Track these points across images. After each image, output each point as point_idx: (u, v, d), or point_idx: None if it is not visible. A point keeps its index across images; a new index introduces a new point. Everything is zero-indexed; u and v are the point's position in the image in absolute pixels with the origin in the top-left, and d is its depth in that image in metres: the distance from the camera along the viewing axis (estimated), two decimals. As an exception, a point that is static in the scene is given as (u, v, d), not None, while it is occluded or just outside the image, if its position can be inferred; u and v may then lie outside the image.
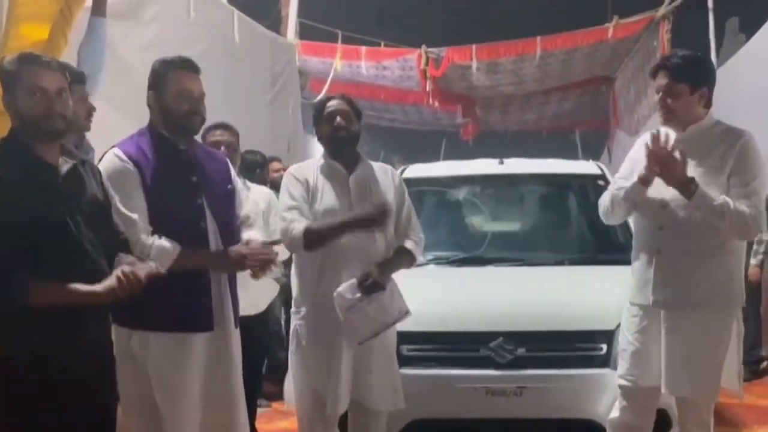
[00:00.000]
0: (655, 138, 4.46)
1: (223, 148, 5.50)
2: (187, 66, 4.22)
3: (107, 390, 3.72)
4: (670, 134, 4.53)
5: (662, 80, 4.56)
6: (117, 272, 3.44)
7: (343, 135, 4.85)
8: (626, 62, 14.35)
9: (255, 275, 4.34)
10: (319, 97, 12.77)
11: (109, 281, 3.41)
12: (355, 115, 4.93)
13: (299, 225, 4.65)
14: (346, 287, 4.60)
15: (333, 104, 4.90)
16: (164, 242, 3.99)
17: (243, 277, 4.56)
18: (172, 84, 4.17)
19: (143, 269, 3.51)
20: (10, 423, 3.37)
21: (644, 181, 4.55)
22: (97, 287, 3.40)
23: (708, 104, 4.59)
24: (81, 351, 3.46)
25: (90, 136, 4.81)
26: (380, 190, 4.92)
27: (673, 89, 4.52)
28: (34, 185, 3.39)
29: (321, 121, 4.90)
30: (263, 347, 5.62)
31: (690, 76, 4.50)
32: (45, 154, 3.48)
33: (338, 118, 4.84)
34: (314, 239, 4.65)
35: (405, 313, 4.81)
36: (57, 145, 3.55)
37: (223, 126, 5.76)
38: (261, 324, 5.30)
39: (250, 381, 4.98)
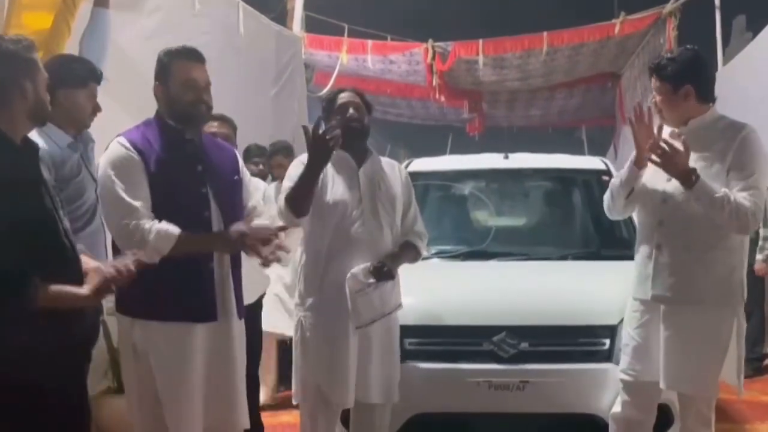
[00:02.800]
0: (641, 114, 4.56)
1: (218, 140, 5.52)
2: (191, 56, 4.21)
3: (82, 383, 3.68)
4: (664, 128, 4.57)
5: (652, 81, 4.65)
6: (103, 271, 3.40)
7: (356, 126, 4.85)
8: (633, 59, 14.32)
9: (264, 261, 4.22)
10: (325, 90, 12.86)
11: (94, 282, 3.37)
12: (365, 109, 4.95)
13: (281, 201, 4.67)
14: (359, 270, 4.63)
15: (345, 96, 4.91)
16: (164, 225, 3.96)
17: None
18: (177, 74, 4.17)
19: (130, 259, 3.47)
20: None
21: (637, 163, 4.59)
22: (86, 291, 3.35)
23: (704, 99, 4.58)
24: (70, 347, 3.43)
25: (92, 126, 4.80)
26: (389, 184, 4.94)
27: (658, 89, 4.60)
28: (19, 173, 3.33)
29: (332, 112, 4.89)
30: (255, 338, 5.61)
31: (671, 76, 4.53)
32: (17, 140, 3.44)
33: (351, 110, 4.85)
34: (293, 202, 4.63)
35: (399, 305, 4.87)
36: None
37: (221, 117, 5.74)
38: (252, 315, 5.29)
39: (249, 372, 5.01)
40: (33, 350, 3.20)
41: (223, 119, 5.77)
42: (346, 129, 4.81)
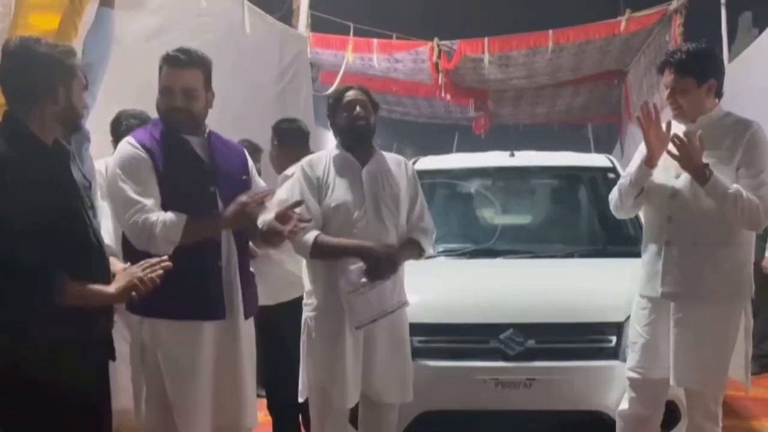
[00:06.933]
0: (649, 113, 4.54)
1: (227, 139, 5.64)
2: (173, 61, 4.20)
3: (105, 384, 3.71)
4: (674, 125, 4.56)
5: (669, 76, 4.60)
6: (131, 275, 3.44)
7: (362, 124, 4.85)
8: (639, 56, 14.30)
9: (289, 236, 4.26)
10: (332, 88, 12.84)
11: (122, 283, 3.42)
12: (372, 107, 4.93)
13: (310, 234, 4.65)
14: (353, 270, 4.61)
15: (351, 94, 4.89)
16: (169, 215, 3.98)
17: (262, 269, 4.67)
18: (161, 80, 4.22)
19: (155, 267, 3.49)
20: (15, 417, 3.37)
21: (648, 162, 4.57)
22: (114, 291, 3.41)
23: (717, 95, 4.59)
24: (90, 346, 3.46)
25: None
26: (393, 182, 4.92)
27: (680, 84, 4.55)
28: (52, 174, 3.38)
29: (339, 110, 4.88)
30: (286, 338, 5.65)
31: (696, 70, 4.51)
32: (48, 141, 3.48)
33: (358, 108, 4.84)
34: (321, 253, 4.69)
35: (404, 303, 4.85)
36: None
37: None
38: (281, 315, 5.34)
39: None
40: (56, 345, 3.23)
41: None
42: (352, 128, 4.82)
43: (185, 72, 4.19)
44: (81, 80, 3.54)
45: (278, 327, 5.30)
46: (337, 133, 4.96)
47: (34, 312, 3.21)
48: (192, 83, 4.20)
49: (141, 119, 5.11)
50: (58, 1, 5.13)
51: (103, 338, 3.61)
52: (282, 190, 5.24)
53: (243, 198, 4.09)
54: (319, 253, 4.70)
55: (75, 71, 3.51)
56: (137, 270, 3.46)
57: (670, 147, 4.47)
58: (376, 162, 4.92)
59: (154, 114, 4.40)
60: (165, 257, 3.55)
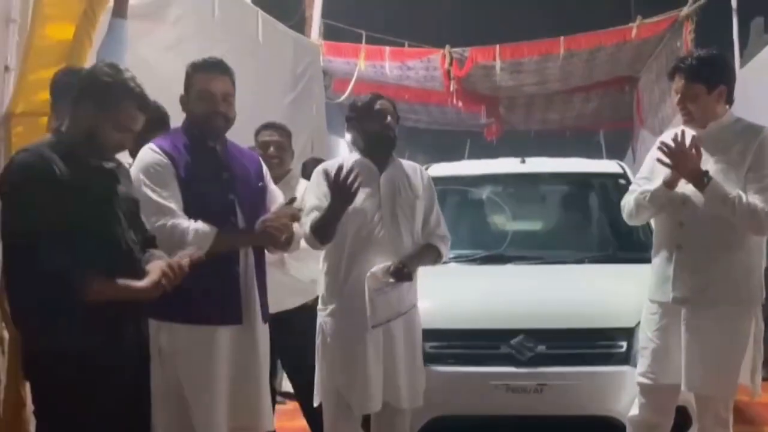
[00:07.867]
0: (674, 140, 4.50)
1: (272, 149, 5.73)
2: (210, 67, 4.31)
3: (145, 384, 3.80)
4: (686, 132, 4.56)
5: (679, 82, 4.61)
6: (161, 266, 3.52)
7: (392, 135, 4.92)
8: (650, 62, 14.27)
9: (282, 244, 4.36)
10: (344, 96, 12.88)
11: (153, 276, 3.49)
12: (395, 119, 5.00)
13: (306, 226, 4.70)
14: (378, 269, 4.67)
15: (383, 103, 4.95)
16: (201, 224, 4.07)
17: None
18: (195, 86, 4.30)
19: (184, 258, 3.60)
20: (50, 416, 3.46)
21: (669, 184, 4.58)
22: (144, 284, 3.47)
23: (728, 101, 4.61)
24: (123, 346, 3.55)
25: None
26: (410, 189, 4.97)
27: (690, 90, 4.56)
28: (88, 185, 3.47)
29: (369, 117, 4.92)
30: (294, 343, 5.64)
31: (706, 76, 4.53)
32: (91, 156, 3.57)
33: (389, 117, 4.91)
34: (319, 233, 4.69)
35: (414, 306, 4.92)
36: None
37: (273, 126, 5.88)
38: (297, 320, 5.37)
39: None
40: (85, 348, 3.32)
41: (275, 127, 5.90)
42: (382, 136, 4.87)
43: (223, 78, 4.32)
44: (114, 117, 3.54)
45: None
46: (363, 138, 5.01)
47: (61, 313, 3.29)
48: (229, 89, 4.33)
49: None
50: (74, 12, 5.17)
51: (135, 340, 3.68)
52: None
53: (268, 217, 4.22)
54: (321, 232, 4.69)
55: (110, 87, 3.55)
56: (165, 263, 3.55)
57: (660, 155, 4.50)
58: (394, 169, 4.97)
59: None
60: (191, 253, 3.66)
